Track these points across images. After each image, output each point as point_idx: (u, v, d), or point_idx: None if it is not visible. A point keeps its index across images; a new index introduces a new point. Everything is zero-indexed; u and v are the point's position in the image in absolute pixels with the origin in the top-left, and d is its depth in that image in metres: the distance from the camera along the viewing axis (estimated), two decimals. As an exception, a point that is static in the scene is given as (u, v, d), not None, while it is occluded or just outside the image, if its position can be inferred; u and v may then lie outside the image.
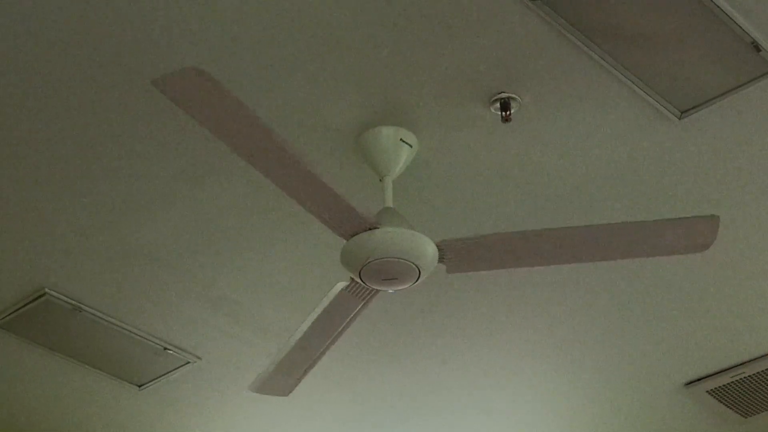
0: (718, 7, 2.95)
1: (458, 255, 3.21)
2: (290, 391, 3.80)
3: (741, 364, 4.45)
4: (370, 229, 3.10)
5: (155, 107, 3.29)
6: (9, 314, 4.17)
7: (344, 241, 3.15)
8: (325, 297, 3.44)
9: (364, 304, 3.41)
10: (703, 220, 3.14)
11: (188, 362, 4.47)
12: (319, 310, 3.46)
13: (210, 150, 3.46)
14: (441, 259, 3.23)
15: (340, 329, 3.50)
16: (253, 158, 2.91)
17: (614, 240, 3.15)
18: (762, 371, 4.45)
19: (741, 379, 4.49)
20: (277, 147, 2.87)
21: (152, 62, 3.12)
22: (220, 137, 2.85)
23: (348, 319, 3.45)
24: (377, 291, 3.33)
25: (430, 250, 3.15)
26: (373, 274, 3.18)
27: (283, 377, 3.72)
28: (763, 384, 4.53)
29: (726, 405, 4.68)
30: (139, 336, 4.30)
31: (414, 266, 3.15)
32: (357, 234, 3.12)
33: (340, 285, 3.38)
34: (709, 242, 3.20)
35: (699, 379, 4.57)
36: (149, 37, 3.05)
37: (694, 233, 3.17)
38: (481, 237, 3.16)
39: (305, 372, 3.69)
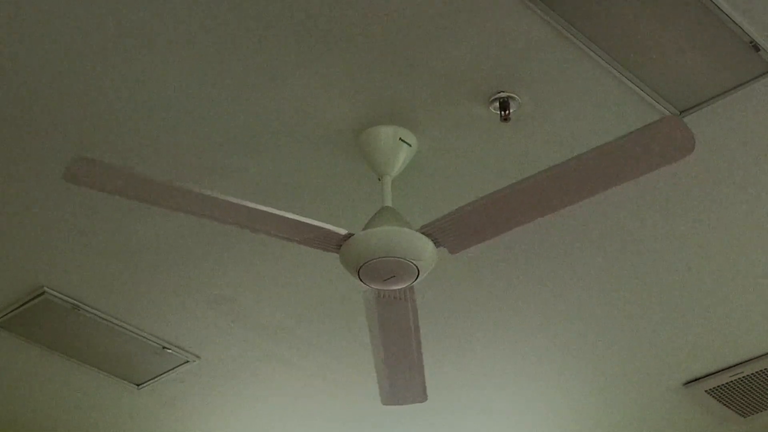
0: (717, 6, 2.95)
1: (449, 233, 3.15)
2: (425, 397, 3.81)
3: (740, 364, 4.45)
4: (346, 238, 3.13)
5: (153, 101, 3.29)
6: (8, 313, 4.17)
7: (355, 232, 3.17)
8: (366, 309, 3.45)
9: (409, 300, 3.40)
10: (664, 122, 2.86)
11: (187, 361, 4.47)
12: (371, 323, 3.47)
13: (206, 150, 3.46)
14: (438, 244, 3.19)
15: (412, 332, 3.50)
16: (196, 213, 3.02)
17: (593, 169, 2.97)
18: (761, 371, 4.45)
19: (740, 378, 4.49)
20: (209, 199, 2.97)
21: (150, 53, 3.13)
22: (154, 205, 2.99)
23: (411, 321, 3.45)
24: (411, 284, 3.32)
25: (428, 248, 3.15)
26: (371, 274, 3.18)
27: (407, 388, 3.76)
28: (762, 383, 4.53)
29: (725, 404, 4.68)
30: (138, 335, 4.30)
31: (412, 264, 3.15)
32: (342, 245, 3.15)
33: (369, 293, 3.39)
34: (687, 144, 2.90)
35: (698, 379, 4.57)
36: (149, 39, 3.06)
37: (663, 138, 2.90)
38: (461, 208, 3.09)
39: (421, 377, 3.70)
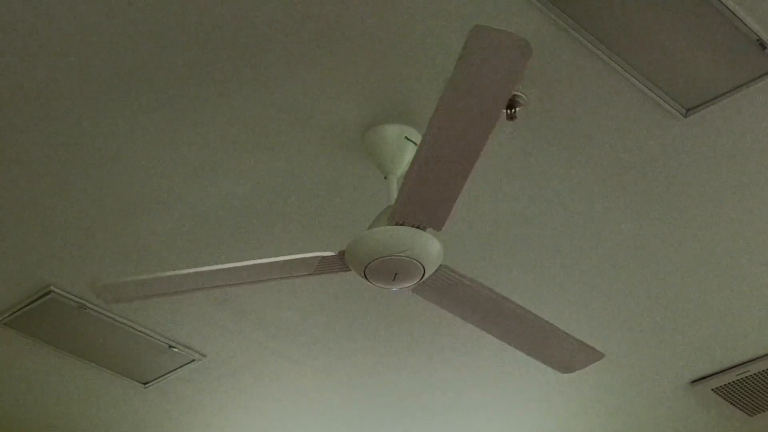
0: (724, 4, 2.94)
1: (416, 211, 3.11)
2: (598, 352, 3.78)
3: (746, 362, 4.45)
4: (340, 257, 3.24)
5: (156, 104, 3.29)
6: (14, 312, 4.18)
7: (348, 239, 3.17)
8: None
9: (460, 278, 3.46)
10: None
11: (193, 360, 4.47)
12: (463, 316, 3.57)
13: (212, 148, 3.46)
14: (421, 227, 3.16)
15: (493, 298, 3.54)
16: (213, 286, 3.35)
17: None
18: (767, 369, 4.44)
19: (746, 377, 4.49)
20: (219, 273, 3.29)
21: (153, 58, 3.13)
22: (177, 295, 3.37)
23: (474, 289, 3.49)
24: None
25: (434, 247, 3.15)
26: (377, 272, 3.18)
27: (570, 354, 3.77)
28: (768, 382, 4.53)
29: (731, 403, 4.67)
30: (144, 334, 4.30)
31: (418, 264, 3.15)
32: (335, 264, 3.27)
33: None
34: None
35: (704, 377, 4.56)
36: (147, 37, 3.06)
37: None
38: (402, 183, 3.04)
39: (565, 337, 3.68)
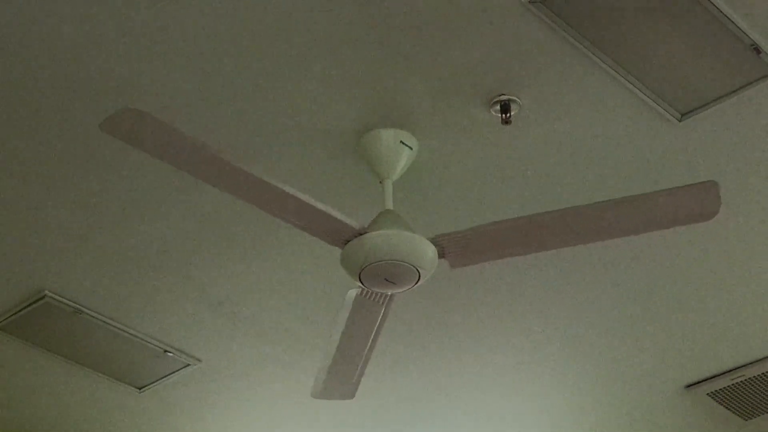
0: (718, 9, 2.95)
1: (457, 248, 3.18)
2: (353, 395, 3.84)
3: (741, 367, 4.45)
4: (359, 234, 3.11)
5: (153, 104, 3.29)
6: (9, 317, 4.17)
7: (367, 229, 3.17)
8: (342, 307, 3.44)
9: (385, 306, 3.41)
10: (702, 187, 3.04)
11: (188, 365, 4.46)
12: (341, 321, 3.47)
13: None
14: (441, 255, 3.21)
15: (372, 336, 3.51)
16: (219, 185, 2.98)
17: (612, 217, 3.08)
18: (763, 374, 4.44)
19: (742, 381, 4.49)
20: (237, 171, 2.93)
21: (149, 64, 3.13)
22: (182, 169, 2.93)
23: (376, 324, 3.47)
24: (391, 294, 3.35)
25: (429, 251, 3.15)
26: (372, 277, 3.18)
27: (341, 384, 3.76)
28: (763, 386, 4.52)
29: (726, 407, 4.67)
30: (139, 338, 4.29)
31: (413, 268, 3.15)
32: (349, 241, 3.13)
33: (353, 292, 3.39)
34: (713, 209, 3.09)
35: (699, 382, 4.57)
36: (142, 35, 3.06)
37: (694, 201, 3.07)
38: (478, 227, 3.13)
39: (358, 378, 3.72)
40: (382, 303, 3.40)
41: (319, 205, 3.05)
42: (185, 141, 2.86)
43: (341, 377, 3.71)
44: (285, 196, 3.01)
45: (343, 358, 3.61)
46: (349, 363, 3.63)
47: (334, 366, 3.65)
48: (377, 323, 3.46)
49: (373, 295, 3.37)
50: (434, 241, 3.18)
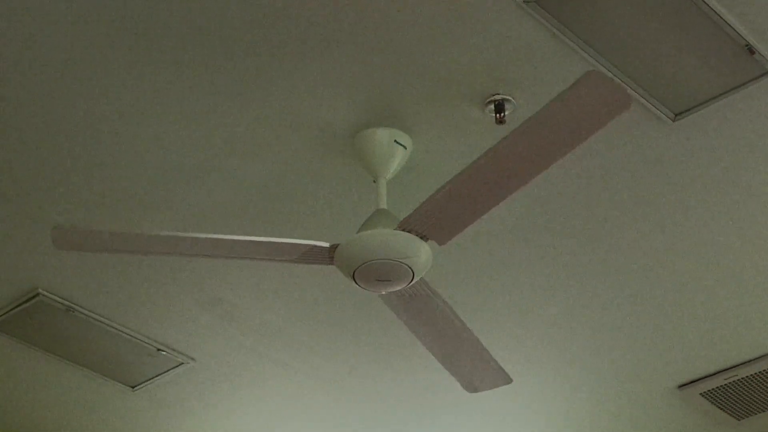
0: (712, 9, 2.95)
1: (428, 225, 3.10)
2: (507, 377, 3.78)
3: (734, 367, 4.46)
4: (332, 249, 3.16)
5: (148, 107, 3.29)
6: (2, 315, 4.17)
7: (337, 241, 3.16)
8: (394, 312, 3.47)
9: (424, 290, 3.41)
10: (583, 78, 2.71)
11: (182, 363, 4.46)
12: (408, 324, 3.49)
13: (201, 152, 3.46)
14: (425, 238, 3.16)
15: (451, 321, 3.50)
16: (188, 253, 3.17)
17: (540, 135, 2.86)
18: (756, 373, 4.45)
19: (735, 381, 4.49)
20: (206, 242, 3.10)
21: (146, 51, 3.13)
22: (146, 255, 3.17)
23: (437, 306, 3.45)
24: None
25: (423, 250, 3.15)
26: (366, 276, 3.18)
27: (481, 374, 3.74)
28: (756, 386, 4.53)
29: (719, 407, 4.68)
30: (133, 337, 4.29)
31: (407, 267, 3.15)
32: (334, 253, 3.17)
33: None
34: (619, 98, 2.75)
35: (692, 382, 4.57)
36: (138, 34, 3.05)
37: (594, 94, 2.74)
38: (431, 196, 3.05)
39: (486, 357, 3.67)
40: (424, 294, 3.38)
41: (285, 240, 3.13)
42: (126, 237, 3.09)
43: (476, 368, 3.68)
44: (251, 245, 3.14)
45: (454, 353, 3.60)
46: (465, 354, 3.61)
47: (456, 363, 3.65)
48: (445, 310, 3.45)
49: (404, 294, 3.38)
50: (403, 228, 3.12)
